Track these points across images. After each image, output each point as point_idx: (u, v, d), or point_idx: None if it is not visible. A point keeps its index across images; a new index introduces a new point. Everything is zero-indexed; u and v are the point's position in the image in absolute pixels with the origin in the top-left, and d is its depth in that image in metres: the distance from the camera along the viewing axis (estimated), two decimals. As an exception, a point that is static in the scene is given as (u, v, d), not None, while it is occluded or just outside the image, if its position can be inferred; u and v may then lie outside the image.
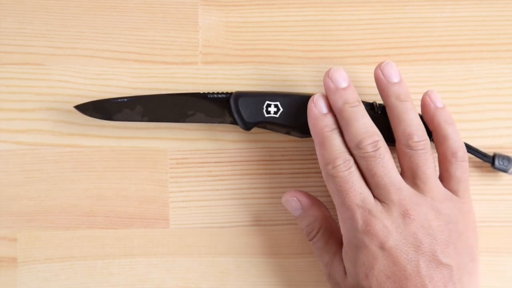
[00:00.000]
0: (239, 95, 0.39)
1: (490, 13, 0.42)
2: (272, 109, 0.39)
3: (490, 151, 0.41)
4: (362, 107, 0.36)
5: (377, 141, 0.35)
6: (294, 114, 0.39)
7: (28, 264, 0.41)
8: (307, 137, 0.41)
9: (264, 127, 0.41)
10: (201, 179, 0.42)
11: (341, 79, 0.36)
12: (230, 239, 0.42)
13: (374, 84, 0.42)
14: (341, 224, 0.35)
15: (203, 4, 0.42)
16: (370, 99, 0.40)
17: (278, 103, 0.39)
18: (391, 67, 0.36)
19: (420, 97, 0.42)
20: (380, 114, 0.39)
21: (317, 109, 0.36)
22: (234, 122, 0.40)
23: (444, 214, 0.34)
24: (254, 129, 0.41)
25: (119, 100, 0.40)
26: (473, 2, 0.42)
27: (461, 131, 0.41)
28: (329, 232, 0.37)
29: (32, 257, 0.41)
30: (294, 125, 0.39)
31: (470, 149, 0.40)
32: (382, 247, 0.33)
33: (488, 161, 0.40)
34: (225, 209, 0.42)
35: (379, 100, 0.39)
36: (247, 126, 0.39)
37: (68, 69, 0.42)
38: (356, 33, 0.42)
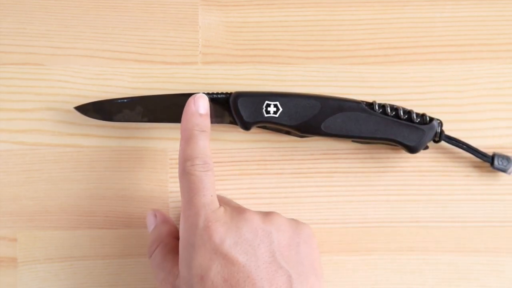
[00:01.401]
0: (238, 95, 0.39)
1: (490, 13, 0.42)
2: (272, 109, 0.39)
3: (490, 151, 0.41)
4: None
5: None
6: (293, 114, 0.39)
7: (28, 264, 0.41)
8: (307, 137, 0.41)
9: (264, 127, 0.41)
10: (201, 179, 0.42)
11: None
12: (230, 239, 0.42)
13: (375, 84, 0.42)
14: (181, 223, 0.34)
15: (203, 4, 0.42)
16: (370, 99, 0.40)
17: (277, 103, 0.39)
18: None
19: (420, 97, 0.42)
20: (380, 114, 0.39)
21: (195, 107, 0.36)
22: (233, 122, 0.40)
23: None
24: (254, 129, 0.41)
25: (119, 100, 0.40)
26: (473, 2, 0.42)
27: (461, 131, 0.41)
28: (169, 248, 0.36)
29: (32, 257, 0.41)
30: (294, 125, 0.39)
31: (469, 149, 0.40)
32: (220, 246, 0.32)
33: (488, 161, 0.40)
34: (225, 209, 0.42)
35: (379, 100, 0.39)
36: (247, 126, 0.39)
37: (68, 69, 0.42)
38: (356, 33, 0.42)
